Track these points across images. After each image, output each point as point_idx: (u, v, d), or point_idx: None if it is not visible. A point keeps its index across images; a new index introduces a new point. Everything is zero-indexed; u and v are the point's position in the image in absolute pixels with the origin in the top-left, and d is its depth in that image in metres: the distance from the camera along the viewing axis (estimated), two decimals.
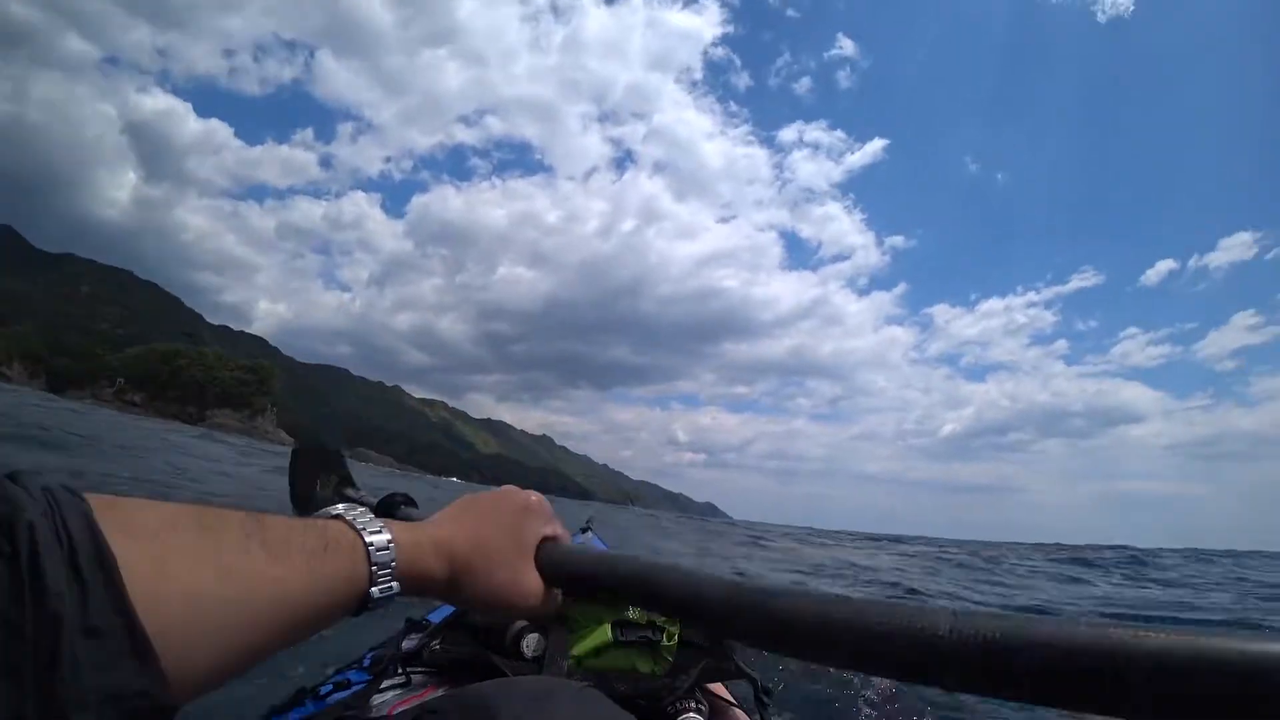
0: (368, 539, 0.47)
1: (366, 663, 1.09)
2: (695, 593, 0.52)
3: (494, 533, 0.57)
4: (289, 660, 1.86)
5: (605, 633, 1.02)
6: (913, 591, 5.79)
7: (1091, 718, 0.37)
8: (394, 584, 0.48)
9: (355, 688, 0.98)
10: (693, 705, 1.00)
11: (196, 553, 0.36)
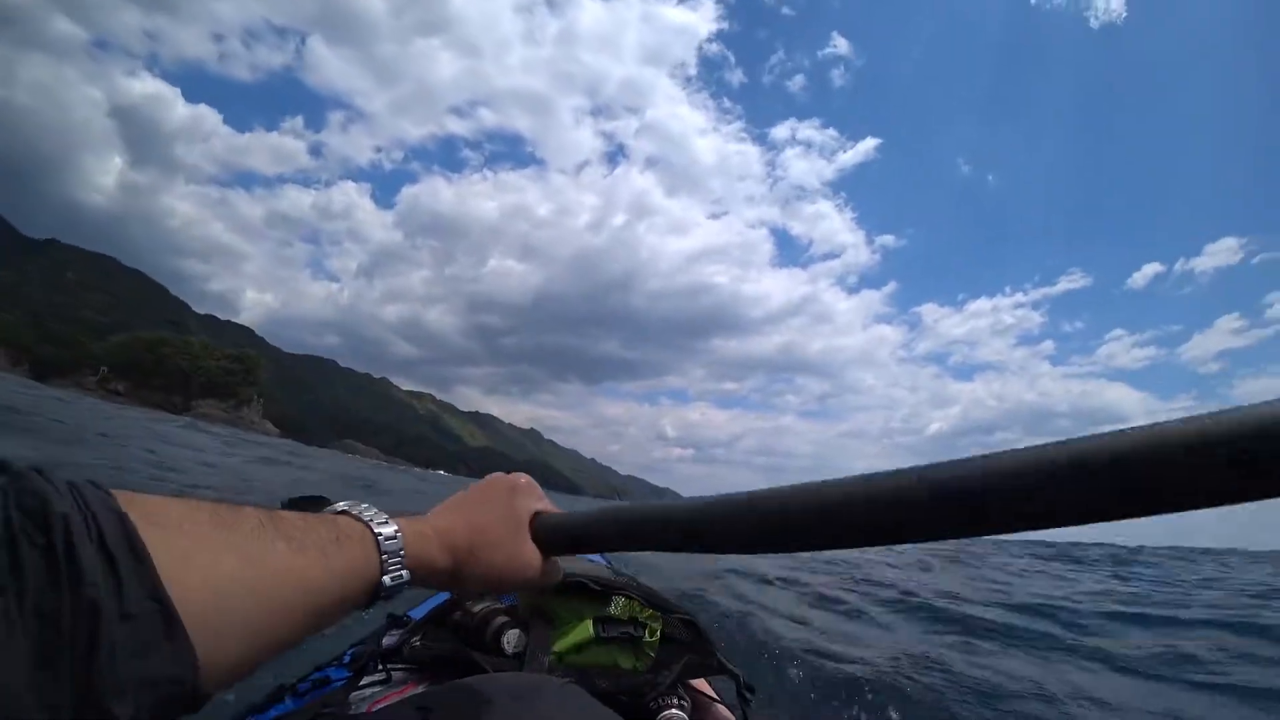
0: (376, 529, 0.49)
1: (347, 659, 1.08)
2: (684, 518, 0.54)
3: (489, 516, 0.60)
4: None
5: (587, 629, 1.02)
6: (908, 594, 5.83)
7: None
8: (404, 573, 0.50)
9: (335, 684, 0.96)
10: (675, 701, 1.00)
11: (220, 543, 0.37)
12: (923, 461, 0.44)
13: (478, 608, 1.05)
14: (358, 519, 0.49)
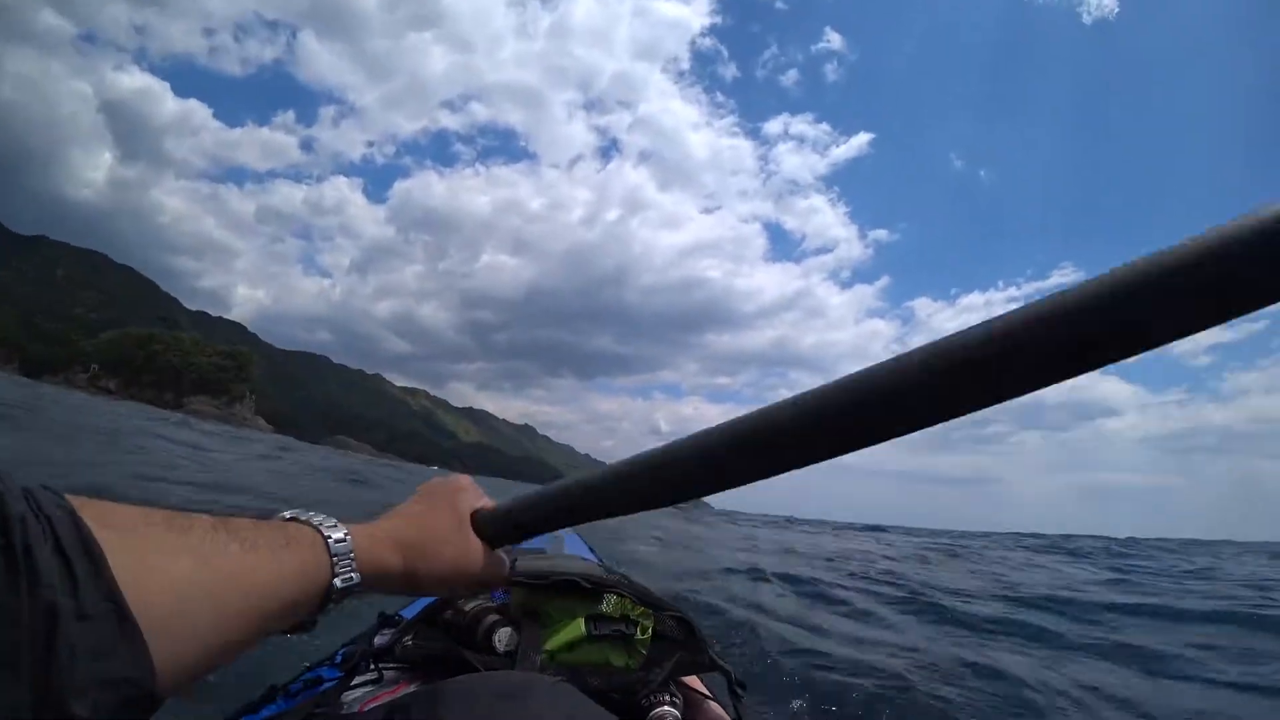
0: (326, 533, 0.51)
1: (338, 659, 1.08)
2: (616, 479, 0.57)
3: (434, 516, 0.63)
4: (260, 657, 1.84)
5: (578, 627, 1.02)
6: (907, 587, 5.87)
7: None
8: (355, 575, 0.51)
9: (327, 684, 0.96)
10: (667, 698, 1.00)
11: (175, 545, 0.38)
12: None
13: (469, 606, 1.04)
14: (307, 524, 0.51)
